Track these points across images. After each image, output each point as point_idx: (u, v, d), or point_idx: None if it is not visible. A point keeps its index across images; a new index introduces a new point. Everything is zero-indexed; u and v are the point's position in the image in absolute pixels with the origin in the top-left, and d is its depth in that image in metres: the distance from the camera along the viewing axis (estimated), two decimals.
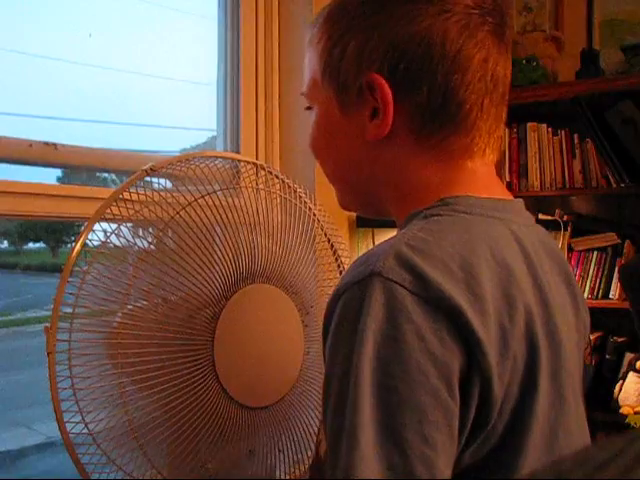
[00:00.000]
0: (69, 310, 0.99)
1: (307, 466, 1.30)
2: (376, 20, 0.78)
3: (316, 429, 1.29)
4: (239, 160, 1.28)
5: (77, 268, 1.01)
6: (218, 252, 1.12)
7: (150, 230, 1.08)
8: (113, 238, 1.05)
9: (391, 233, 2.38)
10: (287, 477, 1.27)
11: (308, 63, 0.89)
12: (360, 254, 2.03)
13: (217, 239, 1.14)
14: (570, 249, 2.84)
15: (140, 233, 1.08)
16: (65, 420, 0.98)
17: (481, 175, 0.81)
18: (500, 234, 0.77)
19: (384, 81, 0.77)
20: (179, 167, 1.14)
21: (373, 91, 0.78)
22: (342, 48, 0.81)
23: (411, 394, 0.62)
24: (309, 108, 0.90)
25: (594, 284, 2.78)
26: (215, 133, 2.03)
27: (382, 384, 0.62)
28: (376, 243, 2.49)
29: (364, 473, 0.59)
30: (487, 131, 0.80)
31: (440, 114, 0.78)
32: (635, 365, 2.54)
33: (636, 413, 2.45)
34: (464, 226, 0.74)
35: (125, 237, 1.06)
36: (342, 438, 0.62)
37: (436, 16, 0.76)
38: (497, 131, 0.82)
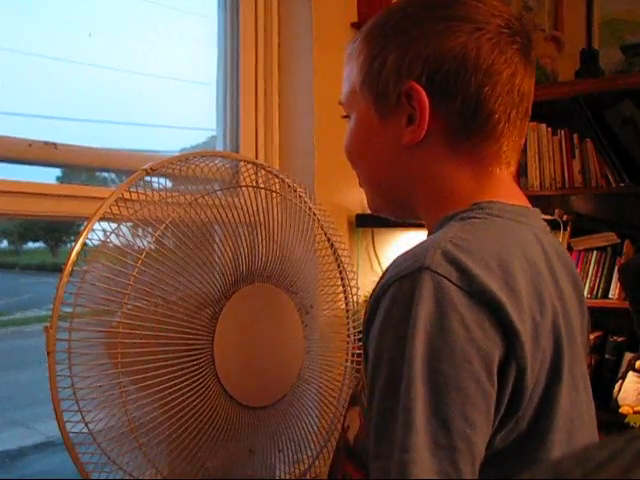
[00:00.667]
0: (69, 309, 0.99)
1: (307, 465, 1.30)
2: (415, 35, 0.85)
3: (316, 429, 1.29)
4: (239, 159, 1.28)
5: (77, 268, 1.01)
6: (218, 252, 1.12)
7: (150, 230, 1.08)
8: (113, 238, 1.05)
9: (391, 233, 2.37)
10: (287, 477, 1.27)
11: (348, 75, 0.95)
12: (360, 254, 2.02)
13: (217, 239, 1.14)
14: (570, 249, 2.83)
15: (140, 233, 1.08)
16: (65, 419, 0.98)
17: (507, 183, 0.88)
18: (528, 237, 0.84)
19: (422, 89, 0.83)
20: (179, 167, 1.14)
21: (410, 99, 0.85)
22: (382, 60, 0.87)
23: (456, 377, 0.68)
24: (347, 117, 0.97)
25: (594, 284, 2.78)
26: (215, 133, 2.03)
27: (432, 368, 0.68)
28: (376, 245, 2.47)
29: (418, 449, 0.65)
30: (513, 142, 0.87)
31: (472, 122, 0.84)
32: (634, 365, 2.54)
33: (635, 412, 2.44)
34: (498, 228, 0.81)
35: (125, 237, 1.06)
36: (397, 414, 0.68)
37: (470, 33, 0.83)
38: (519, 142, 0.89)
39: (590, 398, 0.89)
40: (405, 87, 0.85)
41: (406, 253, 0.77)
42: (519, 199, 0.89)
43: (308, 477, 1.31)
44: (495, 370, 0.71)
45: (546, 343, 0.77)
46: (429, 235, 0.88)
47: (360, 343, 1.40)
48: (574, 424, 0.81)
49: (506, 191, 0.87)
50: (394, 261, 0.78)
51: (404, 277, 0.72)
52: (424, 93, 0.84)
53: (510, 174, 0.89)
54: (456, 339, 0.69)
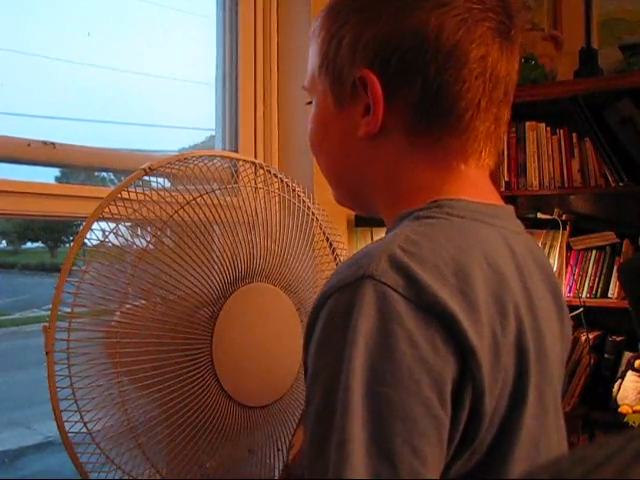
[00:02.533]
0: (68, 309, 0.99)
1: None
2: (372, 14, 0.76)
3: None
4: (237, 159, 1.28)
5: (76, 267, 1.01)
6: (216, 251, 1.12)
7: (149, 229, 1.08)
8: (112, 237, 1.05)
9: None
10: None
11: (310, 57, 0.86)
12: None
13: (215, 238, 1.14)
14: (569, 248, 2.84)
15: (139, 232, 1.08)
16: (64, 419, 0.98)
17: (474, 178, 0.78)
18: (493, 240, 0.74)
19: (375, 77, 0.75)
20: (177, 166, 1.14)
21: (365, 87, 0.76)
22: (338, 42, 0.79)
23: (402, 403, 0.59)
24: (310, 102, 0.89)
25: (593, 283, 2.78)
26: (214, 132, 2.03)
27: (373, 391, 0.59)
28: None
29: (351, 474, 0.56)
30: (485, 133, 0.77)
31: (433, 112, 0.75)
32: (634, 364, 2.54)
33: (635, 412, 2.45)
34: (457, 230, 0.71)
35: (124, 236, 1.06)
36: (330, 444, 0.59)
37: (433, 10, 0.73)
38: (496, 133, 0.79)
39: (561, 420, 0.79)
40: (359, 74, 0.76)
41: (351, 258, 0.69)
42: (488, 197, 0.79)
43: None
44: (448, 394, 0.62)
45: (508, 360, 0.67)
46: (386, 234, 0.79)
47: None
48: (539, 450, 0.72)
49: (472, 188, 0.77)
50: (339, 266, 0.70)
51: (344, 286, 0.64)
52: (377, 82, 0.75)
53: (481, 167, 0.79)
54: (402, 358, 0.59)
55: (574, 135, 2.78)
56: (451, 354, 0.62)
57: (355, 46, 0.77)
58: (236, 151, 1.97)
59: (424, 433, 0.59)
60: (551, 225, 2.78)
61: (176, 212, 1.08)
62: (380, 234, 2.21)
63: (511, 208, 0.82)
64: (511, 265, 0.74)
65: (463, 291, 0.65)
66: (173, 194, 1.10)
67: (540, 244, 2.74)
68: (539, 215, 2.79)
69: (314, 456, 0.61)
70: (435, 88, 0.74)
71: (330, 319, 0.64)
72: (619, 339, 2.74)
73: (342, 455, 0.57)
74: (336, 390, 0.60)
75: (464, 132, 0.76)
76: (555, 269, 2.59)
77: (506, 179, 2.86)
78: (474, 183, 0.78)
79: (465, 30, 0.73)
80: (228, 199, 1.16)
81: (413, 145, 0.77)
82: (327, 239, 1.36)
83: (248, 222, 1.18)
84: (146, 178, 1.10)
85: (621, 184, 2.63)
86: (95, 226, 1.04)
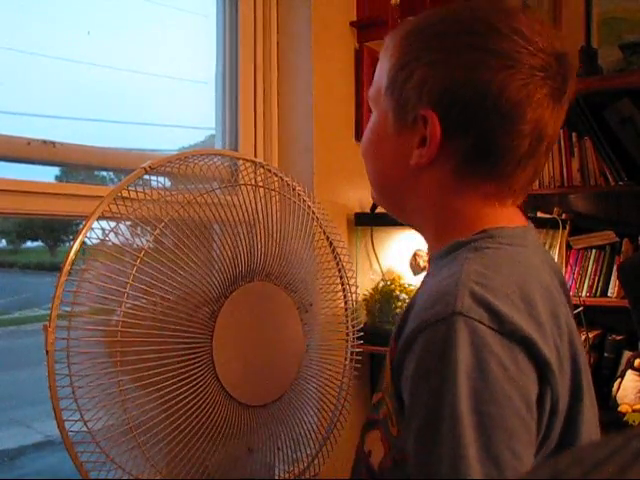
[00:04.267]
0: (68, 308, 0.99)
1: (306, 464, 1.30)
2: (443, 57, 0.82)
3: (315, 427, 1.29)
4: (237, 158, 1.28)
5: (76, 266, 1.01)
6: (217, 250, 1.12)
7: (149, 228, 1.08)
8: (112, 236, 1.05)
9: (390, 232, 2.35)
10: (286, 475, 1.27)
11: (379, 71, 0.92)
12: (359, 252, 2.01)
13: (216, 237, 1.14)
14: (569, 247, 2.84)
15: (139, 231, 1.08)
16: (64, 418, 0.98)
17: (510, 209, 0.88)
18: (535, 260, 0.84)
19: (436, 119, 0.82)
20: (178, 165, 1.14)
21: (426, 124, 0.83)
22: (408, 74, 0.85)
23: (502, 417, 0.69)
24: (370, 110, 0.95)
25: (592, 282, 2.78)
26: (214, 131, 2.03)
27: (478, 411, 0.69)
28: (374, 244, 2.44)
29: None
30: (524, 180, 0.85)
31: (481, 161, 0.83)
32: (633, 363, 2.54)
33: (634, 411, 2.44)
34: (511, 258, 0.81)
35: (124, 235, 1.06)
36: (442, 460, 0.68)
37: (500, 71, 0.79)
38: (533, 179, 0.87)
39: (595, 406, 0.89)
40: (422, 112, 0.83)
41: (433, 294, 0.77)
42: (518, 218, 0.88)
43: (307, 476, 1.31)
44: (534, 402, 0.73)
45: (567, 364, 0.79)
46: (433, 259, 0.89)
47: (360, 344, 1.40)
48: (592, 437, 0.82)
49: (509, 217, 0.87)
50: (422, 302, 0.78)
51: (437, 322, 0.73)
52: (438, 124, 0.82)
53: (515, 205, 0.89)
54: (496, 380, 0.70)
55: (574, 134, 2.78)
56: (532, 370, 0.73)
57: (423, 85, 0.83)
58: (236, 150, 1.96)
59: (520, 438, 0.70)
60: (551, 224, 2.78)
61: (176, 211, 1.08)
62: (380, 233, 2.20)
63: (532, 226, 0.91)
64: (551, 277, 0.85)
65: (531, 314, 0.75)
66: (173, 193, 1.10)
67: None
68: (539, 214, 2.79)
69: (424, 472, 0.71)
70: (487, 141, 0.82)
71: (427, 351, 0.73)
72: (619, 338, 2.74)
73: (457, 464, 0.67)
74: (441, 411, 0.69)
75: (505, 180, 0.84)
76: None
77: None
78: (509, 212, 0.87)
79: (525, 94, 0.80)
80: (228, 198, 1.16)
81: (457, 182, 0.85)
82: (327, 238, 1.36)
83: (248, 221, 1.18)
84: (146, 177, 1.10)
85: (621, 183, 2.63)
86: (95, 225, 1.04)
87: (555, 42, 0.82)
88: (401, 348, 0.77)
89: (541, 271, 0.83)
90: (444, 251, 0.85)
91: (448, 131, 0.82)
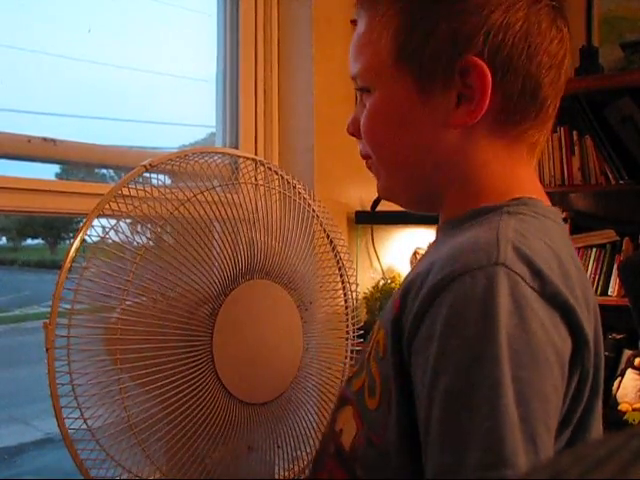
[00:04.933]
0: (68, 306, 0.99)
1: (306, 462, 1.30)
2: (473, 4, 0.75)
3: (315, 425, 1.29)
4: (238, 156, 1.28)
5: (76, 264, 1.01)
6: (217, 248, 1.12)
7: (149, 226, 1.08)
8: (112, 234, 1.05)
9: (390, 230, 2.35)
10: (286, 474, 1.27)
11: (368, 42, 0.82)
12: (359, 250, 2.00)
13: (216, 235, 1.14)
14: None
15: (139, 229, 1.08)
16: (64, 416, 0.98)
17: (535, 176, 0.83)
18: (567, 238, 0.79)
19: (485, 65, 0.75)
20: (178, 163, 1.14)
21: (466, 75, 0.76)
22: (429, 30, 0.77)
23: (541, 386, 0.62)
24: (362, 89, 0.85)
25: (593, 281, 2.78)
26: (214, 129, 2.03)
27: (517, 374, 0.61)
28: (375, 242, 2.43)
29: (512, 457, 0.58)
30: (549, 131, 0.82)
31: (529, 105, 0.78)
32: (633, 362, 2.54)
33: (634, 410, 2.45)
34: (548, 229, 0.75)
35: (124, 233, 1.06)
36: (475, 425, 0.60)
37: (530, 6, 0.75)
38: (551, 122, 0.83)
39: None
40: (463, 62, 0.75)
41: (465, 243, 0.70)
42: (545, 196, 0.83)
43: (307, 474, 1.31)
44: (567, 371, 0.66)
45: (593, 348, 0.72)
46: (448, 226, 0.82)
47: (360, 342, 1.40)
48: (599, 431, 0.77)
49: (538, 188, 0.82)
50: (450, 251, 0.70)
51: (475, 270, 0.65)
52: (488, 70, 0.75)
53: (535, 163, 0.84)
54: (537, 343, 0.63)
55: (574, 133, 2.78)
56: (570, 339, 0.66)
57: (457, 35, 0.75)
58: (236, 148, 1.97)
59: (554, 411, 0.64)
60: None
61: (176, 209, 1.08)
62: (380, 232, 2.20)
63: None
64: (578, 259, 0.78)
65: (567, 285, 0.68)
66: (173, 191, 1.10)
67: None
68: None
69: (453, 433, 0.61)
70: (534, 82, 0.77)
71: (462, 301, 0.64)
72: (619, 337, 2.74)
73: (497, 438, 0.58)
74: (477, 372, 0.61)
75: (543, 127, 0.81)
76: None
77: None
78: (538, 183, 0.83)
79: (555, 29, 0.77)
80: (228, 196, 1.16)
81: (500, 136, 0.79)
82: (327, 236, 1.36)
83: (248, 219, 1.18)
84: (146, 175, 1.10)
85: (621, 182, 2.63)
86: (95, 223, 1.04)
87: None
88: (423, 299, 0.67)
89: (574, 252, 0.78)
90: (466, 216, 0.78)
91: (497, 77, 0.75)
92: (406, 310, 0.71)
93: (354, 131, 0.89)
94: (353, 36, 0.86)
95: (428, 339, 0.66)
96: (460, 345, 0.63)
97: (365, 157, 0.90)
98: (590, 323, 0.71)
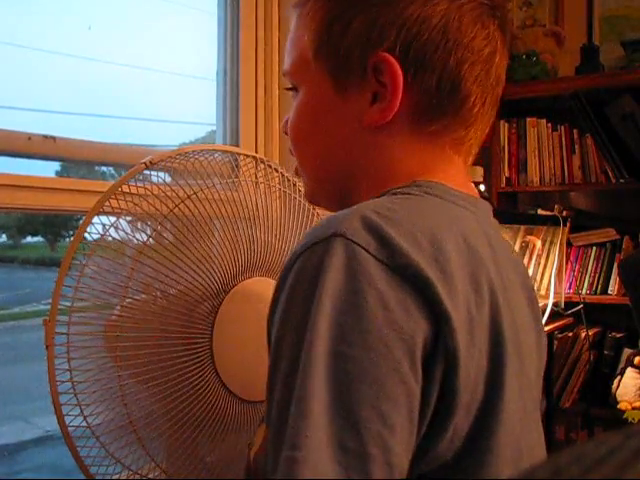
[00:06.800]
0: (68, 303, 0.99)
1: None
2: None
3: None
4: (238, 153, 1.28)
5: (76, 261, 1.01)
6: (217, 245, 1.12)
7: (149, 223, 1.08)
8: (112, 231, 1.05)
9: None
10: None
11: (296, 40, 0.81)
12: None
13: (216, 233, 1.14)
14: (569, 244, 2.84)
15: (139, 226, 1.08)
16: (64, 413, 0.98)
17: (459, 171, 0.78)
18: (469, 221, 0.73)
19: (395, 62, 0.72)
20: (178, 160, 1.14)
21: (379, 73, 0.73)
22: (346, 23, 0.74)
23: (370, 365, 0.55)
24: (291, 89, 0.83)
25: (593, 279, 2.78)
26: (214, 127, 2.03)
27: (337, 351, 0.56)
28: None
29: (312, 451, 0.52)
30: (481, 129, 0.78)
31: (446, 102, 0.74)
32: (633, 361, 2.55)
33: (634, 409, 2.45)
34: (433, 206, 0.71)
35: (124, 230, 1.06)
36: (289, 409, 0.55)
37: (452, 1, 0.72)
38: (484, 132, 0.79)
39: (539, 423, 0.76)
40: (374, 58, 0.73)
41: (322, 220, 0.67)
42: (470, 190, 0.78)
43: None
44: (420, 361, 0.58)
45: (482, 339, 0.64)
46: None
47: None
48: (521, 446, 0.68)
49: (456, 178, 0.77)
50: (309, 230, 0.68)
51: (313, 245, 0.61)
52: (398, 66, 0.72)
53: (466, 163, 0.79)
54: (372, 319, 0.57)
55: (575, 131, 2.78)
56: (424, 319, 0.59)
57: (369, 29, 0.73)
58: (237, 145, 1.96)
59: (394, 400, 0.56)
60: (551, 221, 2.78)
61: (176, 206, 1.08)
62: None
63: (489, 205, 0.81)
64: (487, 249, 0.71)
65: (438, 260, 0.62)
66: (174, 188, 1.10)
67: (540, 240, 2.74)
68: (539, 211, 2.80)
69: (275, 420, 0.58)
70: (452, 79, 0.73)
71: (297, 279, 0.61)
72: (619, 335, 2.75)
73: (301, 414, 0.54)
74: (299, 352, 0.57)
75: (468, 126, 0.76)
76: (555, 265, 2.58)
77: (507, 175, 2.86)
78: (457, 174, 0.78)
79: (480, 26, 0.74)
80: (229, 193, 1.16)
81: (418, 133, 0.75)
82: None
83: (248, 216, 1.18)
84: (147, 172, 1.10)
85: (622, 181, 2.64)
86: (95, 220, 1.04)
87: None
88: (277, 283, 0.64)
89: (473, 235, 0.70)
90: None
91: (407, 75, 0.72)
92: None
93: (285, 130, 0.86)
94: None
95: (275, 319, 0.63)
96: (292, 326, 0.60)
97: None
98: (480, 309, 0.64)
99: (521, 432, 0.68)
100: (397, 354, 0.56)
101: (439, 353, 0.59)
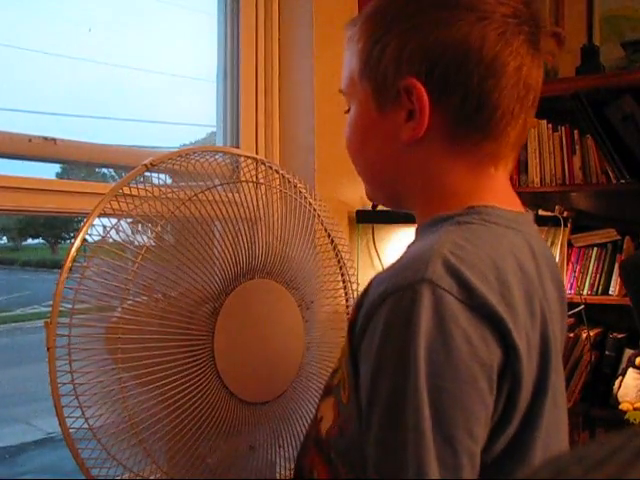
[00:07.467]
0: (69, 305, 0.99)
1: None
2: (416, 23, 0.81)
3: None
4: (239, 155, 1.28)
5: (77, 263, 1.01)
6: (218, 247, 1.12)
7: (150, 225, 1.08)
8: (113, 233, 1.05)
9: (392, 229, 2.36)
10: (287, 473, 1.27)
11: (347, 62, 0.91)
12: (360, 250, 2.01)
13: (217, 234, 1.14)
14: (570, 245, 2.84)
15: (140, 228, 1.08)
16: (65, 415, 0.98)
17: (502, 185, 0.86)
18: (521, 245, 0.81)
19: (421, 85, 0.79)
20: (179, 162, 1.14)
21: (410, 94, 0.81)
22: (381, 49, 0.83)
23: (462, 396, 0.68)
24: (348, 111, 0.93)
25: (594, 280, 2.78)
26: (215, 129, 2.03)
27: (436, 386, 0.67)
28: (376, 241, 2.44)
29: (430, 468, 0.65)
30: (515, 138, 0.84)
31: (474, 118, 0.80)
32: (634, 361, 2.54)
33: (635, 409, 2.45)
34: (494, 236, 0.79)
35: (125, 232, 1.06)
36: (405, 432, 0.67)
37: (474, 23, 0.78)
38: (522, 139, 0.85)
39: (566, 415, 0.87)
40: (404, 82, 0.81)
41: (403, 260, 0.76)
42: (514, 203, 0.87)
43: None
44: (495, 382, 0.70)
45: (535, 355, 0.76)
46: (418, 231, 0.88)
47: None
48: (553, 441, 0.80)
49: (502, 195, 0.85)
50: (391, 267, 0.76)
51: (403, 288, 0.70)
52: (424, 90, 0.79)
53: (507, 173, 0.87)
54: (459, 355, 0.68)
55: (575, 132, 2.78)
56: (498, 348, 0.70)
57: (400, 55, 0.81)
58: (237, 147, 1.96)
59: (478, 418, 0.69)
60: (552, 222, 2.78)
61: (177, 208, 1.08)
62: (381, 231, 2.20)
63: (531, 215, 0.89)
64: (533, 268, 0.81)
65: (504, 295, 0.72)
66: (174, 190, 1.10)
67: None
68: (540, 212, 2.79)
69: (386, 441, 0.69)
70: (476, 96, 0.79)
71: (391, 319, 0.70)
72: (620, 336, 2.74)
73: (422, 451, 0.66)
74: (403, 383, 0.67)
75: (499, 137, 0.82)
76: None
77: None
78: (503, 190, 0.86)
79: (504, 43, 0.79)
80: (229, 195, 1.16)
81: (452, 150, 0.83)
82: (328, 235, 1.36)
83: (249, 218, 1.18)
84: (147, 174, 1.10)
85: (622, 181, 2.63)
86: (96, 222, 1.04)
87: None
88: (366, 313, 0.74)
89: (524, 257, 0.80)
90: (429, 223, 0.83)
91: (435, 94, 0.80)
92: (357, 320, 0.77)
93: None
94: None
95: (369, 351, 0.73)
96: (389, 358, 0.70)
97: None
98: (534, 330, 0.76)
99: (554, 427, 0.80)
100: (480, 383, 0.69)
101: (507, 374, 0.71)
